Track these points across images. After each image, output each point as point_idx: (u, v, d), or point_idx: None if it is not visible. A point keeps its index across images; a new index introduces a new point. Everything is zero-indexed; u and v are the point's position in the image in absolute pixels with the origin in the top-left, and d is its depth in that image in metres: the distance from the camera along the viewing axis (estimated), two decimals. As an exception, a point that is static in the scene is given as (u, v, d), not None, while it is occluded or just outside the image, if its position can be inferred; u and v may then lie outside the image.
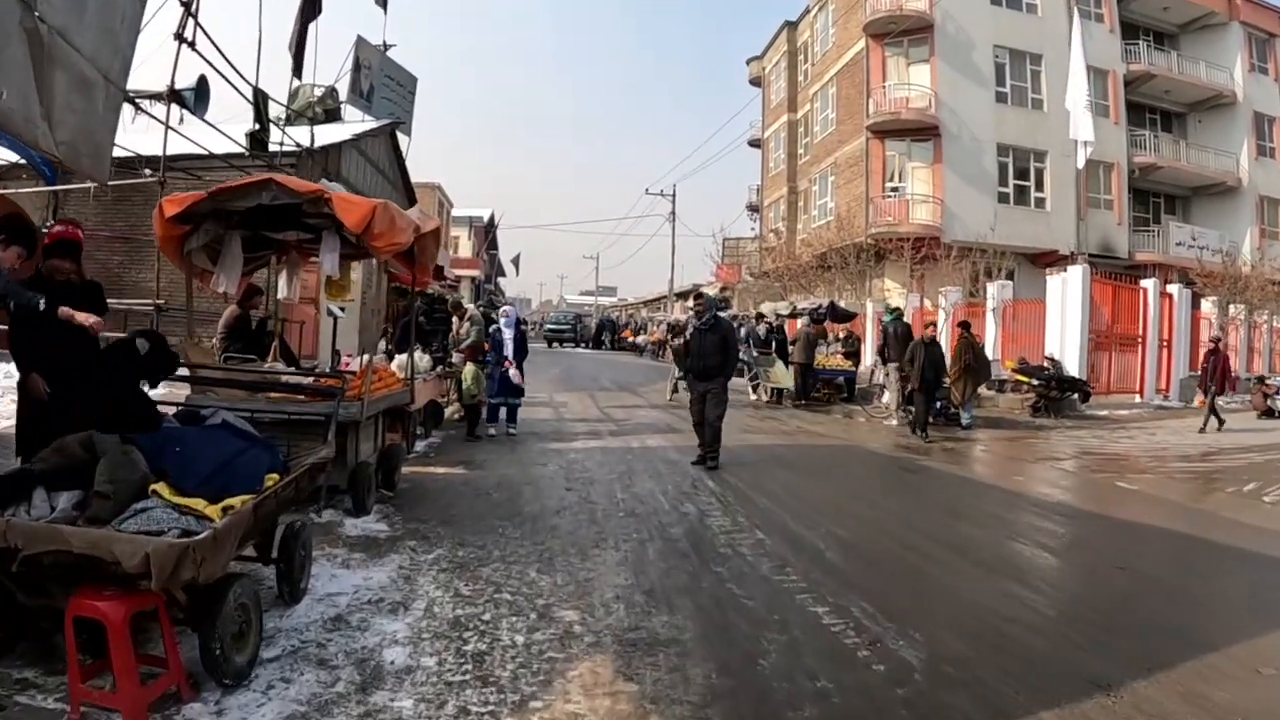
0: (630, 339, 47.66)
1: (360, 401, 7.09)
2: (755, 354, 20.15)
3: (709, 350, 10.56)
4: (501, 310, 14.45)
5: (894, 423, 16.39)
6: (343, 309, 13.13)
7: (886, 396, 18.19)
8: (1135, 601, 5.95)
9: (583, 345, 50.52)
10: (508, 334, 12.50)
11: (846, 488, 10.36)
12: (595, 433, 13.48)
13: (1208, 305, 26.58)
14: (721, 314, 12.26)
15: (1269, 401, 21.83)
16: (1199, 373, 18.90)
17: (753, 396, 19.96)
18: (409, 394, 9.03)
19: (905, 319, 19.32)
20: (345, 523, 6.79)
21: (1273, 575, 6.95)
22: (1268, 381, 22.31)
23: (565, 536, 6.89)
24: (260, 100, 13.76)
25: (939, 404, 16.14)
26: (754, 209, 49.49)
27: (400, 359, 10.91)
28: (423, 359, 11.80)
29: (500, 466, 10.01)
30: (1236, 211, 36.75)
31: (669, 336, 29.29)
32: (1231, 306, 27.36)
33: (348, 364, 9.18)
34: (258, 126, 13.82)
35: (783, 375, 19.52)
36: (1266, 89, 37.78)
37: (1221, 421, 16.76)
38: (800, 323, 21.48)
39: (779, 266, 36.20)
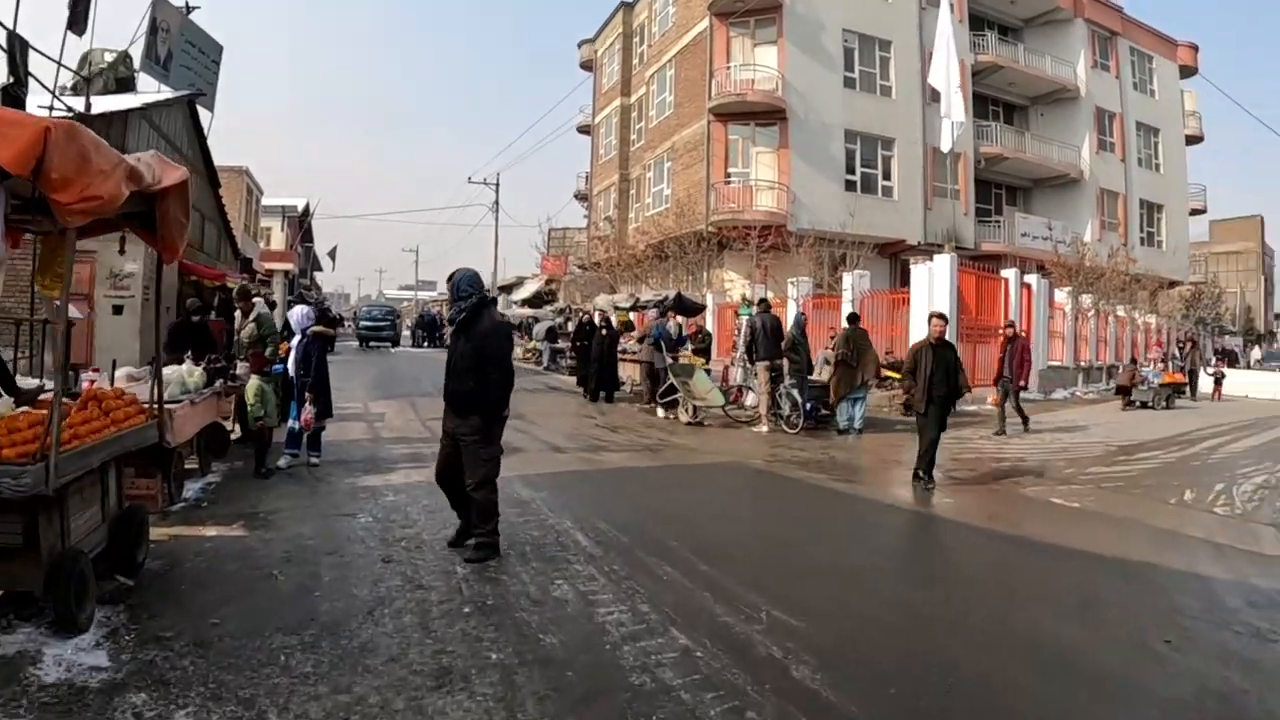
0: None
1: (45, 461, 4.37)
2: (668, 360, 17.12)
3: (459, 365, 6.53)
4: (292, 312, 10.75)
5: (764, 429, 14.92)
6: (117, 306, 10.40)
7: (750, 398, 17.06)
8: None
9: (411, 344, 47.04)
10: (294, 343, 9.80)
11: (761, 528, 8.41)
12: (419, 457, 10.60)
13: (1061, 295, 26.78)
14: (493, 300, 8.20)
15: (1133, 395, 22.27)
16: (997, 365, 16.86)
17: (663, 415, 16.49)
18: (157, 428, 6.28)
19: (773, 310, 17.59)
20: (44, 654, 4.32)
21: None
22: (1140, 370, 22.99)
23: (385, 670, 4.38)
24: (16, 48, 11.85)
25: (809, 405, 14.97)
26: (582, 198, 48.17)
27: (176, 370, 8.61)
28: (193, 373, 9.03)
29: (293, 521, 7.44)
30: (1077, 203, 38.14)
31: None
32: (1085, 297, 27.91)
33: (92, 384, 6.58)
34: (12, 80, 11.95)
35: (707, 388, 16.00)
36: (1108, 85, 39.60)
37: (1026, 420, 16.17)
38: (649, 315, 19.78)
39: (610, 257, 34.94)
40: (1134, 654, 5.05)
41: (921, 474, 10.06)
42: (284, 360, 9.95)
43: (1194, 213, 48.39)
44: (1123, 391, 22.39)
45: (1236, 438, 17.15)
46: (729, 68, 29.80)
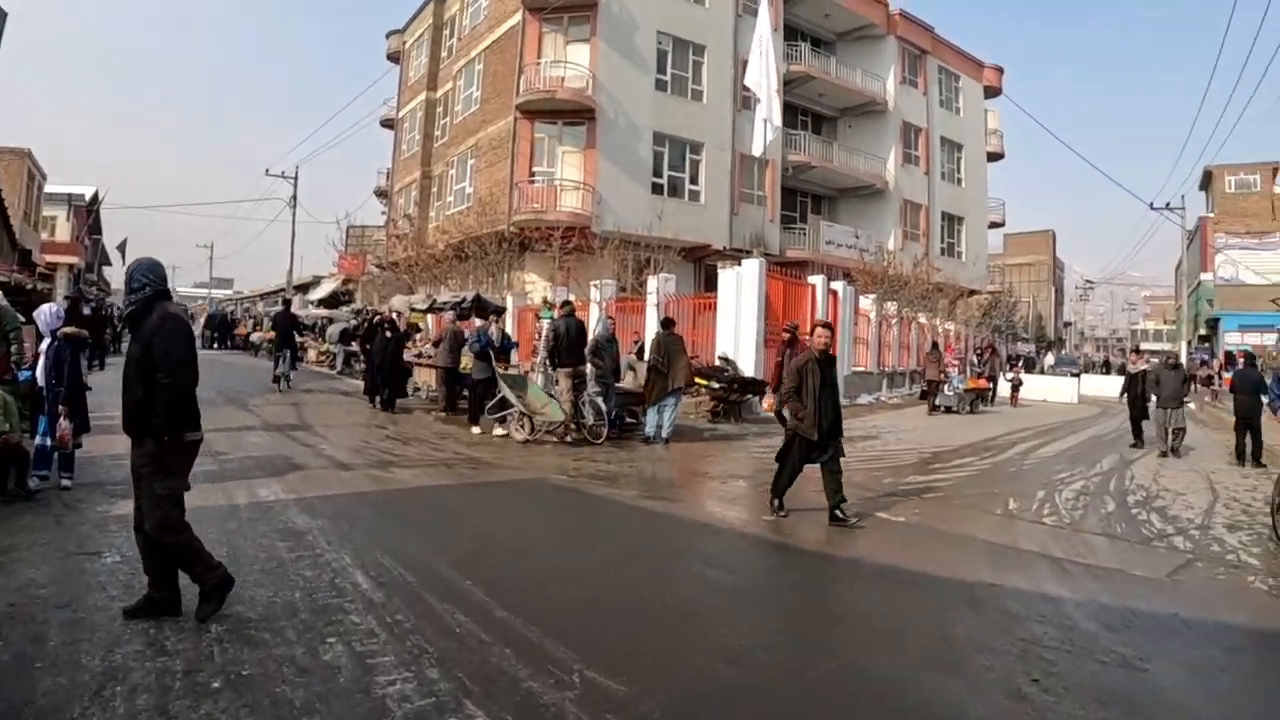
0: (244, 336, 42.44)
1: None
2: (499, 371, 15.00)
3: (127, 372, 5.11)
4: (39, 311, 8.78)
5: (566, 439, 13.99)
6: None
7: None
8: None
9: (201, 346, 43.61)
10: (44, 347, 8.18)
11: (566, 559, 7.32)
12: None
13: (866, 302, 27.35)
14: (163, 293, 5.35)
15: (939, 400, 23.02)
16: (775, 369, 15.91)
17: (500, 432, 14.34)
18: None
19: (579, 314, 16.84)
20: None
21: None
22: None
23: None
24: None
25: (614, 414, 14.34)
26: (383, 194, 46.66)
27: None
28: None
29: (26, 563, 6.01)
30: (881, 213, 39.21)
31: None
32: (889, 304, 28.66)
33: None
34: None
35: (543, 401, 14.03)
36: (915, 100, 41.05)
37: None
38: (446, 318, 18.74)
39: (409, 257, 33.69)
40: (1005, 700, 4.62)
41: (842, 513, 8.60)
42: (27, 367, 8.59)
43: (993, 225, 50.62)
44: (929, 393, 23.12)
45: (1044, 442, 17.68)
46: (539, 64, 29.03)
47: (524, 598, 5.77)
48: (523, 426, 13.89)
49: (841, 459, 8.73)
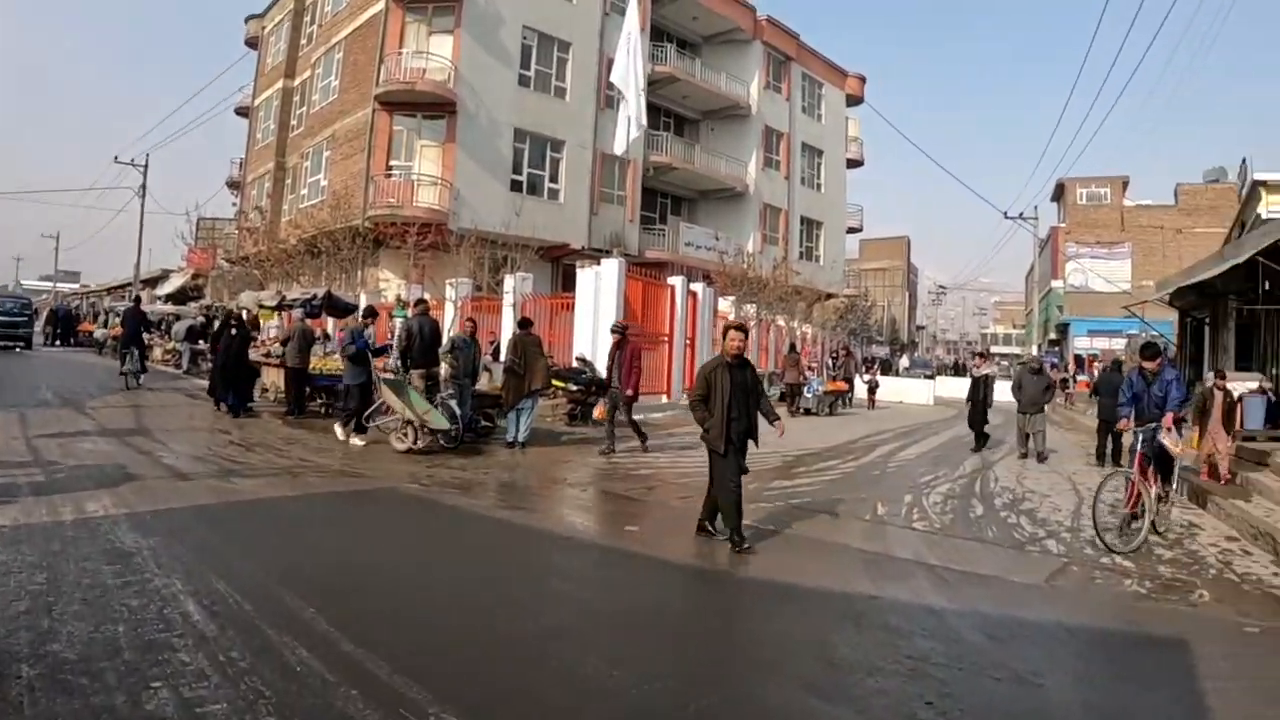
0: (88, 333, 40.19)
1: None
2: (379, 376, 13.53)
3: None
4: None
5: (419, 444, 13.05)
6: None
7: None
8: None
9: (43, 342, 40.14)
10: None
11: (418, 578, 6.68)
12: (8, 491, 8.31)
13: (725, 304, 27.63)
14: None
15: (797, 402, 23.51)
16: (607, 373, 14.93)
17: (358, 441, 13.10)
18: None
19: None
20: None
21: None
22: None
23: None
24: None
25: (469, 417, 13.79)
26: (235, 185, 45.02)
27: None
28: None
29: None
30: (741, 216, 39.93)
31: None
32: (748, 306, 29.18)
33: None
34: None
35: (424, 408, 12.72)
36: (778, 106, 41.98)
37: (643, 437, 14.24)
38: (294, 316, 18.08)
39: (259, 251, 32.47)
40: (904, 727, 4.43)
41: (712, 527, 8.07)
42: None
43: (850, 231, 52.25)
44: (789, 395, 23.54)
45: (905, 444, 18.01)
46: (401, 54, 28.42)
47: (373, 627, 5.25)
48: (405, 436, 12.80)
49: (743, 475, 8.04)
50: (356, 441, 13.04)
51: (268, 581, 6.02)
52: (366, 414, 13.53)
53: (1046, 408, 16.89)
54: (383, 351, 15.45)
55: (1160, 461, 9.20)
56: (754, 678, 4.98)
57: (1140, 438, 9.06)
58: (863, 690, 4.77)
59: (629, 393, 13.84)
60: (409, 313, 15.47)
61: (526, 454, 13.32)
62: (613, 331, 14.71)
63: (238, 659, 4.56)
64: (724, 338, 8.17)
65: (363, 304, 24.70)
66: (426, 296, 18.63)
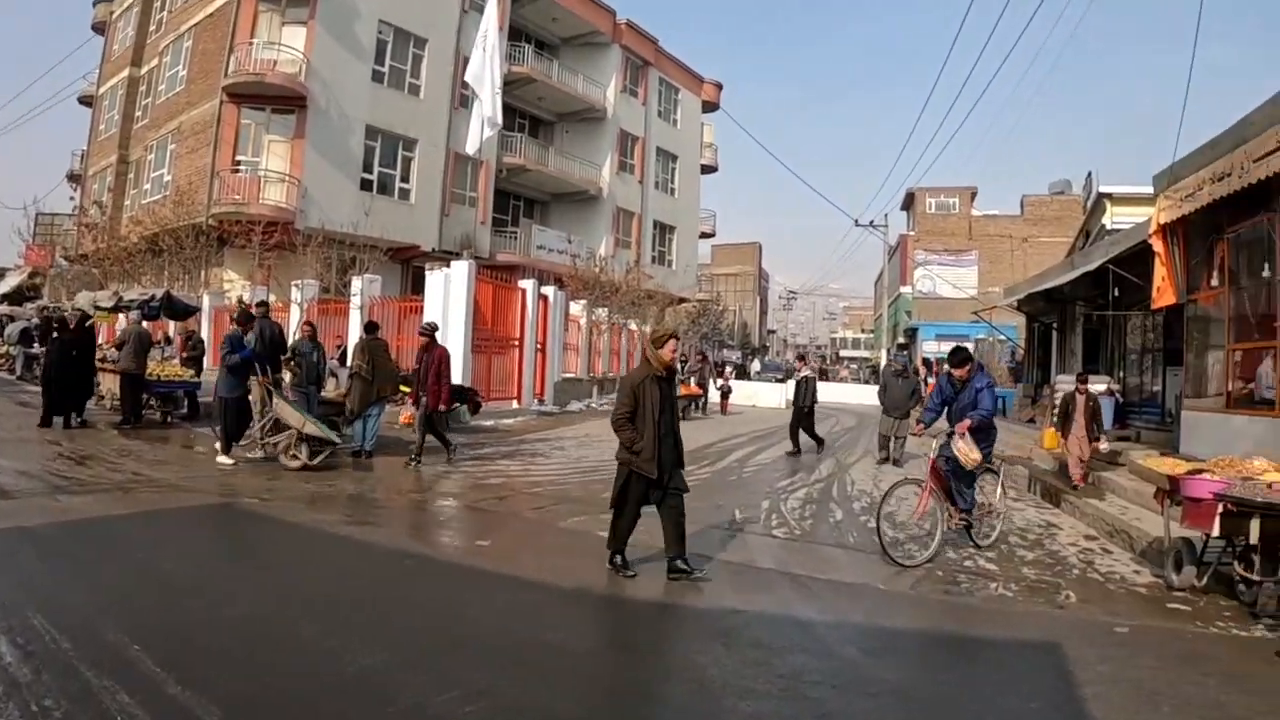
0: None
1: None
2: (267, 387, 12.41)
3: None
4: None
5: (258, 454, 12.47)
6: None
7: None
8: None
9: None
10: None
11: (256, 608, 5.90)
12: None
13: (577, 308, 27.78)
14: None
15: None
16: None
17: (226, 461, 12.00)
18: None
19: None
20: None
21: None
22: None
23: None
24: None
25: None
26: (76, 178, 42.94)
27: None
28: None
29: None
30: (594, 219, 40.25)
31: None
32: (600, 310, 29.28)
33: None
34: None
35: (300, 420, 11.94)
36: (634, 110, 42.42)
37: (451, 448, 13.49)
38: (130, 318, 17.31)
39: (99, 249, 30.78)
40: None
41: (623, 559, 7.19)
42: None
43: (703, 236, 53.40)
44: None
45: (759, 448, 18.09)
46: (252, 44, 27.49)
47: (204, 665, 4.75)
48: (298, 454, 11.93)
49: (685, 495, 7.26)
50: (225, 460, 12.00)
51: (91, 614, 5.46)
52: (262, 428, 12.45)
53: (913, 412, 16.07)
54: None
55: (958, 473, 8.63)
56: (623, 705, 4.83)
57: (937, 445, 8.82)
58: (737, 715, 4.56)
59: (439, 406, 13.15)
60: (253, 314, 14.07)
61: (374, 464, 12.89)
62: (420, 333, 13.77)
63: (52, 709, 4.00)
64: (657, 346, 7.27)
65: (205, 304, 24.23)
66: (271, 299, 18.33)
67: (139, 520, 8.54)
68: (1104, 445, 12.61)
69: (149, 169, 32.60)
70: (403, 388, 16.59)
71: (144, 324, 16.80)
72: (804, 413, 17.48)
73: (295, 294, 21.45)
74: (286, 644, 5.29)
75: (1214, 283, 12.47)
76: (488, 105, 21.34)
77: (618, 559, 7.15)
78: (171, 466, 11.76)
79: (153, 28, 35.75)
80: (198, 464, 12.25)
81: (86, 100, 42.32)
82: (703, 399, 27.23)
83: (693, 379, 27.90)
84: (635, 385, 7.11)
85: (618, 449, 7.18)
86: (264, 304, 14.70)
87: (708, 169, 50.80)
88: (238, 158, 27.48)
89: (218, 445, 12.38)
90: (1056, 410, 13.74)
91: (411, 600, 6.47)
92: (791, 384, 22.03)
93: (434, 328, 13.80)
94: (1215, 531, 6.84)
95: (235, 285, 26.09)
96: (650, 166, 43.93)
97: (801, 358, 22.29)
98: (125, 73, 36.48)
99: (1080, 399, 12.62)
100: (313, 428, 11.95)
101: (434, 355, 13.02)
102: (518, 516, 9.65)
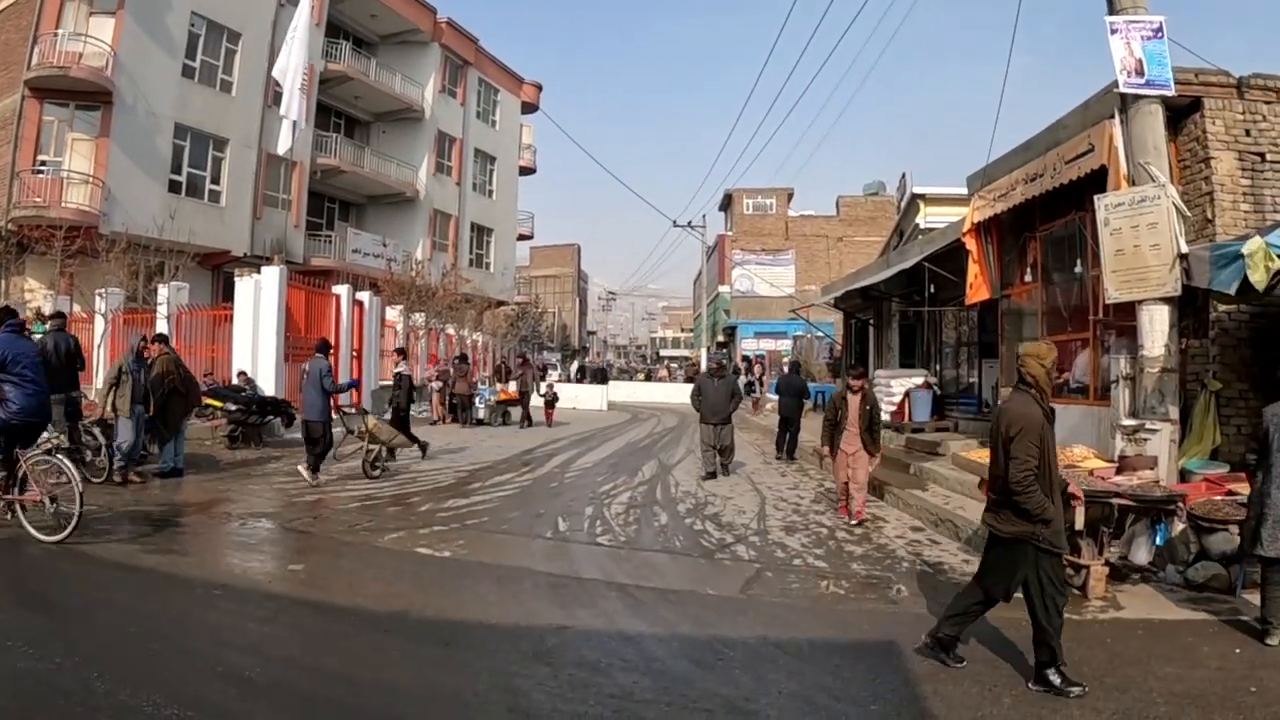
0: None
1: None
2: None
3: None
4: None
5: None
6: None
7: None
8: None
9: None
10: None
11: (45, 651, 5.25)
12: None
13: (393, 313, 27.94)
14: None
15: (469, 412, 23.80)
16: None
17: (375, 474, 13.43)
18: None
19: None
20: None
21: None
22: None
23: None
24: None
25: (127, 444, 12.41)
26: None
27: None
28: None
29: None
30: (411, 222, 40.39)
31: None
32: (417, 315, 29.49)
33: None
34: None
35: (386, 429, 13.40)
36: (453, 110, 42.63)
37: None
38: None
39: None
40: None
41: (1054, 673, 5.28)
42: None
43: (522, 238, 54.00)
44: (461, 406, 23.87)
45: (581, 451, 18.35)
46: (57, 35, 26.01)
47: None
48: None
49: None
50: (312, 478, 12.87)
51: None
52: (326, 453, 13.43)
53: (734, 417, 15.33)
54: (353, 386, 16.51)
55: None
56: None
57: None
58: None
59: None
60: (46, 327, 13.83)
61: (184, 484, 12.52)
62: (152, 342, 13.56)
63: None
64: (1047, 368, 5.60)
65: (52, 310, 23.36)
66: (65, 309, 17.64)
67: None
68: (873, 461, 10.93)
69: (-55, 169, 30.44)
70: (213, 401, 16.82)
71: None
72: (404, 416, 16.45)
73: (99, 303, 20.76)
74: (73, 691, 4.75)
75: (1027, 278, 13.54)
76: (286, 103, 20.95)
77: (1052, 674, 5.19)
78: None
79: (-46, 17, 33.54)
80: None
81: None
82: (523, 405, 25.55)
83: (512, 383, 27.58)
84: (1041, 427, 5.35)
85: (994, 514, 5.56)
86: (59, 315, 14.02)
87: (526, 170, 51.42)
88: (40, 157, 26.13)
89: (301, 467, 13.09)
90: (824, 417, 11.48)
91: (210, 631, 6.05)
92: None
93: (150, 339, 13.71)
94: (1040, 520, 7.41)
95: (36, 295, 24.82)
96: (468, 168, 44.29)
97: (399, 350, 19.49)
98: (-75, 65, 34.00)
99: (854, 400, 10.80)
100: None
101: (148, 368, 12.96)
102: (332, 538, 9.30)
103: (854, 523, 10.47)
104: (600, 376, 41.90)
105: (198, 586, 7.14)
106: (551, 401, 25.87)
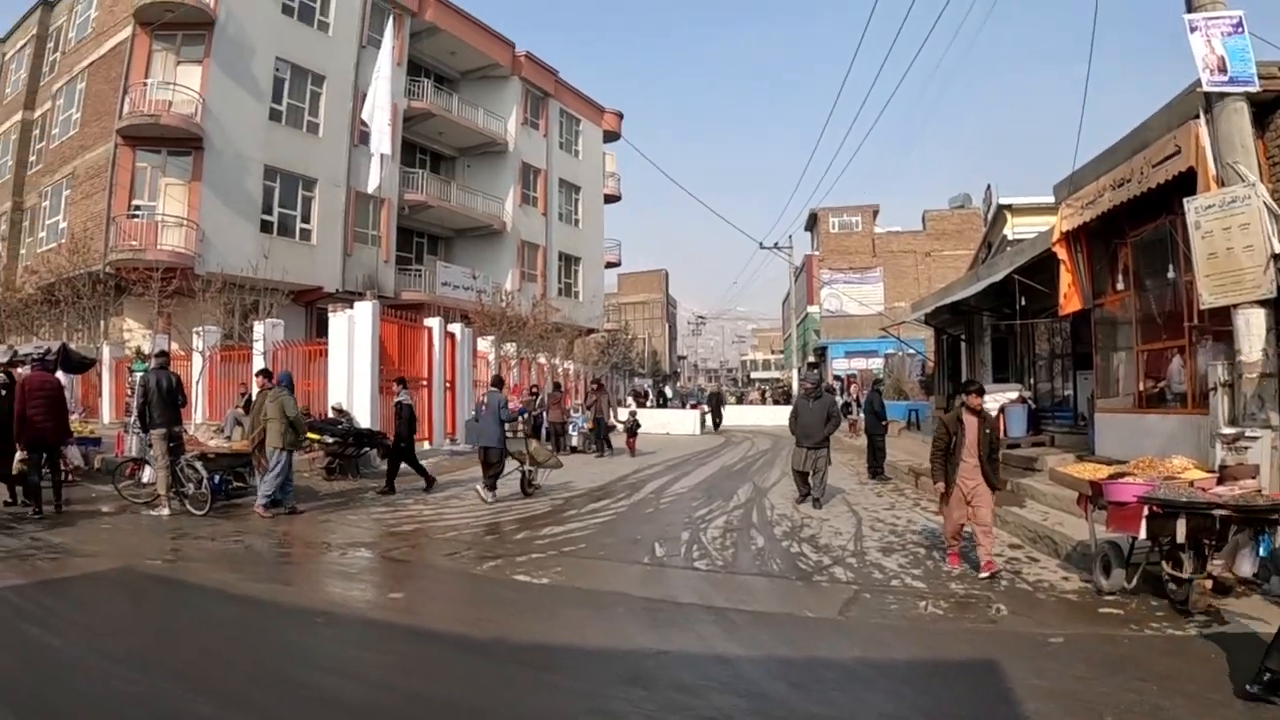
0: None
1: None
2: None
3: None
4: None
5: (164, 512, 12.16)
6: None
7: (148, 474, 13.73)
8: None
9: None
10: None
11: (159, 697, 5.15)
12: None
13: (484, 344, 27.89)
14: None
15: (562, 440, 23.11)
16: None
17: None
18: None
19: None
20: None
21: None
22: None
23: None
24: None
25: (216, 479, 12.73)
26: (-32, 229, 40.99)
27: None
28: None
29: None
30: (499, 253, 40.49)
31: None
32: (508, 345, 29.43)
33: None
34: None
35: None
36: (536, 142, 42.73)
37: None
38: (22, 371, 16.78)
39: None
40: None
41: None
42: None
43: (609, 265, 53.91)
44: (554, 434, 23.63)
45: (675, 477, 18.12)
46: (146, 84, 26.95)
47: None
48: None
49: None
50: (490, 496, 14.11)
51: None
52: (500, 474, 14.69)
53: (831, 440, 14.39)
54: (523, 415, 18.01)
55: None
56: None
57: None
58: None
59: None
60: (148, 365, 14.11)
61: (283, 515, 12.39)
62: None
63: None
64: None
65: (105, 355, 23.88)
66: (171, 348, 18.12)
67: (30, 592, 7.76)
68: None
69: (44, 216, 31.59)
70: (310, 435, 16.17)
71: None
72: (407, 444, 15.99)
73: (197, 341, 21.09)
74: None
75: (1119, 286, 13.12)
76: (384, 140, 21.51)
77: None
78: (69, 531, 10.93)
79: (45, 70, 34.57)
80: (93, 525, 11.66)
81: (-22, 147, 40.71)
82: (605, 433, 24.70)
83: (589, 412, 26.47)
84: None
85: None
86: (162, 354, 14.23)
87: (611, 198, 51.46)
88: (134, 202, 26.84)
89: (479, 488, 14.32)
90: (933, 445, 9.35)
91: (315, 660, 6.09)
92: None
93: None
94: (1142, 534, 7.08)
95: (135, 334, 25.44)
96: (554, 198, 44.34)
97: (400, 380, 17.51)
98: (18, 116, 35.11)
99: (971, 423, 8.98)
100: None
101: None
102: (430, 566, 9.36)
103: (984, 575, 8.45)
104: (715, 402, 39.37)
105: (299, 614, 7.29)
106: (633, 429, 24.93)
